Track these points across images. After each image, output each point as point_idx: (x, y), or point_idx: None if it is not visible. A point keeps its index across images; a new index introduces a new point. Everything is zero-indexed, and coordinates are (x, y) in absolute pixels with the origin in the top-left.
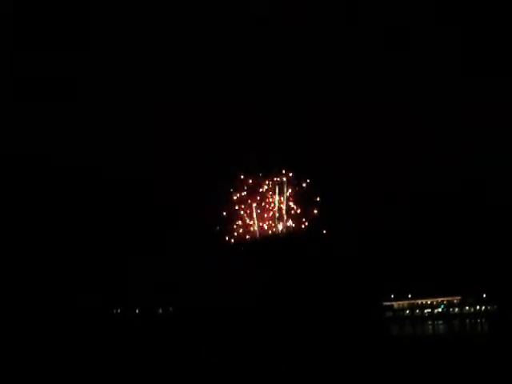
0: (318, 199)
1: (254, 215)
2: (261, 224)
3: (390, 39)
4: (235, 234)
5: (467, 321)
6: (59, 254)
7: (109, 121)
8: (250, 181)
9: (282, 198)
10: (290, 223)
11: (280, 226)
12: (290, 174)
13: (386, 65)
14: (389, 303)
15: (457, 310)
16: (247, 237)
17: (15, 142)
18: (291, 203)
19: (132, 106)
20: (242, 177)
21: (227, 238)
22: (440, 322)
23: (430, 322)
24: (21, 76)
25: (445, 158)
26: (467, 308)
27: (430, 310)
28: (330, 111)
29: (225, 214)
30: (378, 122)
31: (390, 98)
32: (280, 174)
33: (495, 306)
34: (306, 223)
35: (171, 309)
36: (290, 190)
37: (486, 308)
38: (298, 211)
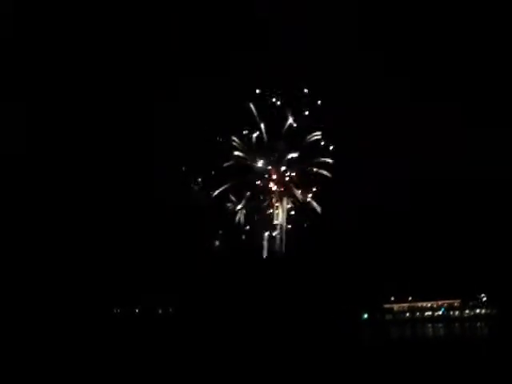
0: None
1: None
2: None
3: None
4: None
5: (467, 324)
6: (56, 251)
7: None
8: None
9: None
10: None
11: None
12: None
13: (389, 65)
14: (389, 306)
15: (457, 313)
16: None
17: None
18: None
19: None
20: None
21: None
22: (440, 325)
23: (430, 325)
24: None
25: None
26: (467, 311)
27: (430, 313)
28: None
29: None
30: (382, 117)
31: (395, 101)
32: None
33: (495, 310)
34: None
35: (171, 309)
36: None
37: (486, 311)
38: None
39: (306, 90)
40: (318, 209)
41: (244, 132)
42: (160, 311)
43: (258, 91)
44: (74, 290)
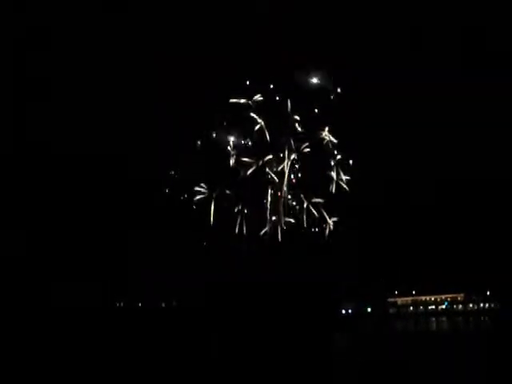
0: None
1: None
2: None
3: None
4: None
5: (471, 318)
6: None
7: None
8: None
9: None
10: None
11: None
12: None
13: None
14: (393, 299)
15: (460, 307)
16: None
17: None
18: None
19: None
20: None
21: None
22: (443, 318)
23: (433, 319)
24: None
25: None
26: (471, 305)
27: (433, 307)
28: None
29: None
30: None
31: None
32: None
33: (498, 304)
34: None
35: (174, 303)
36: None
37: (489, 306)
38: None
39: (314, 80)
40: (327, 217)
41: (241, 132)
42: (163, 304)
43: (248, 83)
44: (79, 283)
